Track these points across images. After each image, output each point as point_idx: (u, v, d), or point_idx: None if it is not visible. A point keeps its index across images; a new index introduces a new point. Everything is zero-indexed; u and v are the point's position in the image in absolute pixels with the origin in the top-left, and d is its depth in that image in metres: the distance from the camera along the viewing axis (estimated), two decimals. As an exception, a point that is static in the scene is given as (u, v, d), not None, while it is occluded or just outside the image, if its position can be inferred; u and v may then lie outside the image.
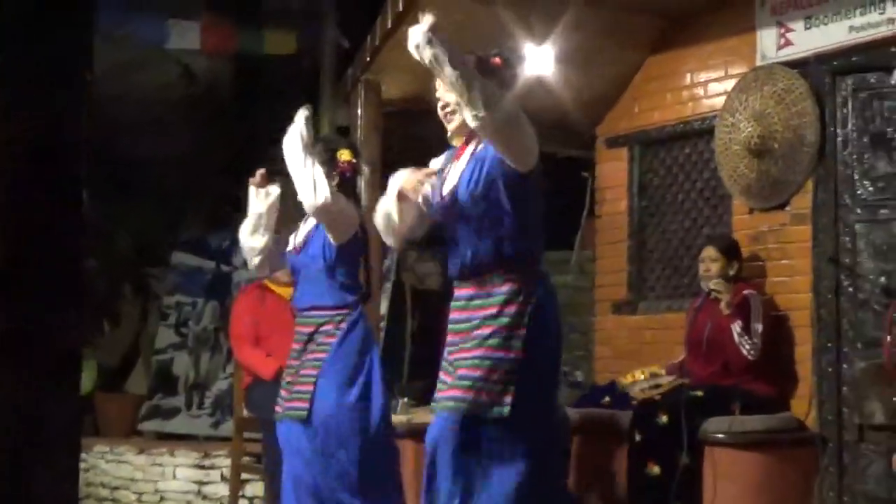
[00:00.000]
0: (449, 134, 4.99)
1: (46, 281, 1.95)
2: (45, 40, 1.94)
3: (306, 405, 5.97)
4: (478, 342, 4.75)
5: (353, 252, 6.21)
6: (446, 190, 4.92)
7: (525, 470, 4.67)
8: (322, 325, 6.09)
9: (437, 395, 4.88)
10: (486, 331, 4.74)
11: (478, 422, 4.67)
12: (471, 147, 4.93)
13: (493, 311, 4.76)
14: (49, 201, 1.95)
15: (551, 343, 4.85)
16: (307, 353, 6.09)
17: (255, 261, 6.40)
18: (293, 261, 6.31)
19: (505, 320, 4.74)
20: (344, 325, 6.08)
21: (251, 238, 6.33)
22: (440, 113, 4.97)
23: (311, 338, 6.10)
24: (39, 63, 1.94)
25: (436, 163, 5.12)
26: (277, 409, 6.20)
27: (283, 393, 6.19)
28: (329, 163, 6.14)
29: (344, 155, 6.24)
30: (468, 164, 4.87)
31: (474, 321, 4.79)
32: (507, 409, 4.64)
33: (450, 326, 4.92)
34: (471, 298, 4.84)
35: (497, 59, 4.97)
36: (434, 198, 4.99)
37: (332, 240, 6.08)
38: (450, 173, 4.96)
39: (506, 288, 4.77)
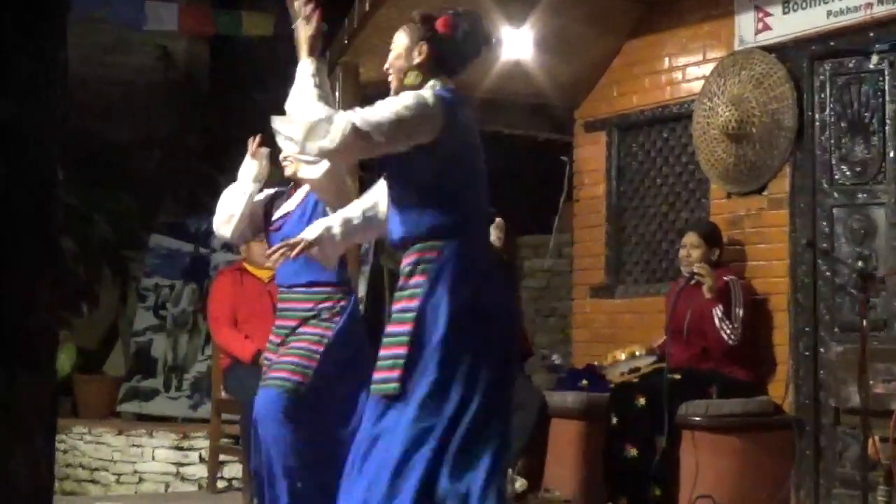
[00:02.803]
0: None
1: (22, 261, 1.95)
2: (19, 23, 1.93)
3: (300, 378, 5.82)
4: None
5: None
6: None
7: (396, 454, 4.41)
8: (322, 301, 6.03)
9: None
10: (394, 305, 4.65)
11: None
12: None
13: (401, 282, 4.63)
14: (25, 182, 1.94)
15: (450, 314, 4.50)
16: (305, 326, 5.95)
17: (228, 229, 6.17)
18: (286, 232, 6.07)
19: (404, 293, 4.59)
20: (345, 303, 6.01)
21: (231, 203, 6.13)
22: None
23: (308, 314, 5.96)
24: (13, 45, 1.93)
25: None
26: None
27: (271, 358, 6.00)
28: None
29: None
30: None
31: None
32: (394, 386, 4.43)
33: None
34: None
35: (440, 22, 4.73)
36: None
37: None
38: None
39: (410, 259, 4.59)
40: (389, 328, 4.57)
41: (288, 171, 6.08)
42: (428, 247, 4.54)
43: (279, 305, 6.12)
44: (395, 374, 4.44)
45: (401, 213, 4.62)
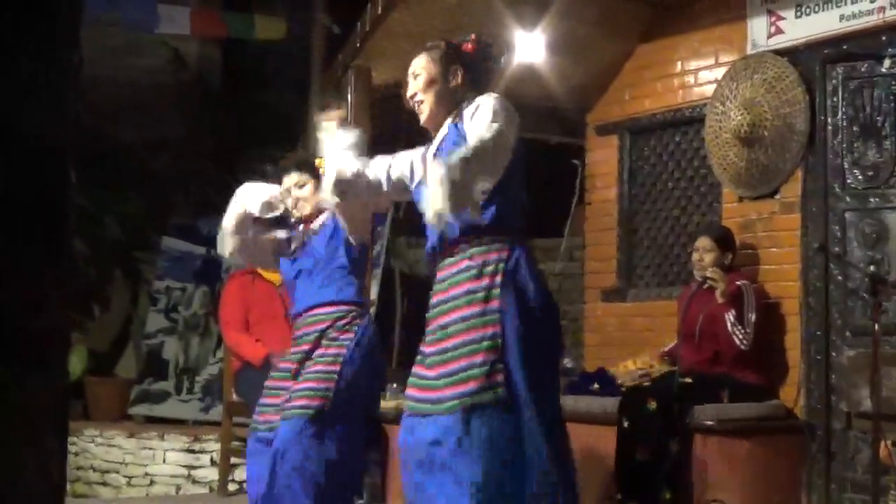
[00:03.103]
0: (421, 123, 4.93)
1: (28, 262, 1.95)
2: (32, 23, 1.93)
3: (320, 402, 5.74)
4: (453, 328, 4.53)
5: (366, 250, 6.20)
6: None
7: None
8: (338, 318, 5.92)
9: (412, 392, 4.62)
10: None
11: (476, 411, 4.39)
12: (443, 130, 4.82)
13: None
14: (29, 183, 1.94)
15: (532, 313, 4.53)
16: (320, 348, 5.86)
17: (231, 246, 6.08)
18: (310, 253, 6.09)
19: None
20: (360, 321, 5.97)
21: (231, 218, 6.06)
22: (411, 103, 4.89)
23: (322, 334, 5.89)
24: (26, 45, 1.94)
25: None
26: (265, 417, 6.02)
27: (286, 386, 5.94)
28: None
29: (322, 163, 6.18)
30: (444, 143, 4.72)
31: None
32: (500, 392, 4.37)
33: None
34: (443, 280, 4.65)
35: (468, 45, 4.87)
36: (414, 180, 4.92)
37: (352, 236, 5.98)
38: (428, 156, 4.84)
39: (476, 262, 4.54)
40: (466, 336, 4.48)
41: (305, 210, 6.07)
42: (495, 247, 4.56)
43: (295, 334, 6.03)
44: (498, 378, 4.40)
45: None
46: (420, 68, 4.84)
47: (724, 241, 7.50)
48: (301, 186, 6.05)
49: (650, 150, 8.80)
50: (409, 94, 4.87)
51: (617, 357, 8.11)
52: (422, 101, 4.83)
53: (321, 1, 10.79)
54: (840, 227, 7.33)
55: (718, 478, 6.89)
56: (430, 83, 4.81)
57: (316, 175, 5.98)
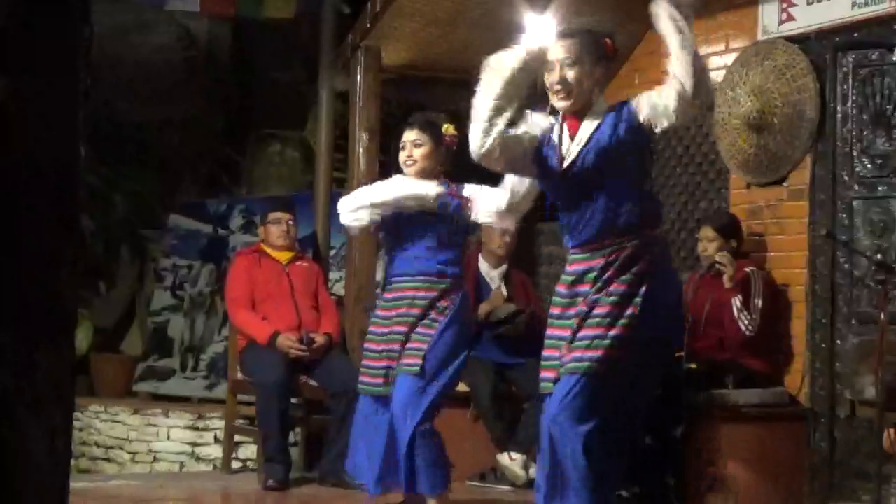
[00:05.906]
0: (556, 107, 5.05)
1: (42, 239, 1.95)
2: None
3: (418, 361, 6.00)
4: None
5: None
6: (568, 160, 4.95)
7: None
8: (446, 290, 6.13)
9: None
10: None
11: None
12: (590, 123, 5.00)
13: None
14: (42, 160, 1.95)
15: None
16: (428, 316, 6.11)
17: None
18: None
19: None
20: (457, 295, 6.18)
21: None
22: (553, 88, 4.99)
23: (432, 304, 6.10)
24: (38, 20, 1.93)
25: (540, 120, 5.13)
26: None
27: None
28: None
29: (449, 129, 6.28)
30: (595, 136, 4.96)
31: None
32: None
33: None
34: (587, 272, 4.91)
35: (609, 42, 5.09)
36: (551, 165, 5.00)
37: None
38: (564, 147, 4.99)
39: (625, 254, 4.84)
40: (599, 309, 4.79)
41: (411, 171, 6.23)
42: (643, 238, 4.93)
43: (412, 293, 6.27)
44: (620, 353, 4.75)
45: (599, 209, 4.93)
46: (573, 52, 5.04)
47: (727, 229, 7.49)
48: (418, 146, 6.12)
49: (659, 135, 8.76)
50: (555, 80, 5.00)
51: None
52: (565, 91, 4.97)
53: (331, -20, 10.76)
54: (848, 215, 7.33)
55: (722, 464, 6.90)
56: (582, 75, 5.02)
57: (436, 138, 6.16)
